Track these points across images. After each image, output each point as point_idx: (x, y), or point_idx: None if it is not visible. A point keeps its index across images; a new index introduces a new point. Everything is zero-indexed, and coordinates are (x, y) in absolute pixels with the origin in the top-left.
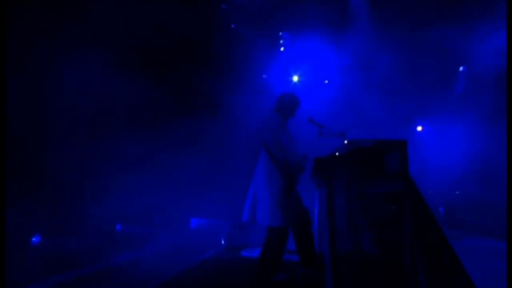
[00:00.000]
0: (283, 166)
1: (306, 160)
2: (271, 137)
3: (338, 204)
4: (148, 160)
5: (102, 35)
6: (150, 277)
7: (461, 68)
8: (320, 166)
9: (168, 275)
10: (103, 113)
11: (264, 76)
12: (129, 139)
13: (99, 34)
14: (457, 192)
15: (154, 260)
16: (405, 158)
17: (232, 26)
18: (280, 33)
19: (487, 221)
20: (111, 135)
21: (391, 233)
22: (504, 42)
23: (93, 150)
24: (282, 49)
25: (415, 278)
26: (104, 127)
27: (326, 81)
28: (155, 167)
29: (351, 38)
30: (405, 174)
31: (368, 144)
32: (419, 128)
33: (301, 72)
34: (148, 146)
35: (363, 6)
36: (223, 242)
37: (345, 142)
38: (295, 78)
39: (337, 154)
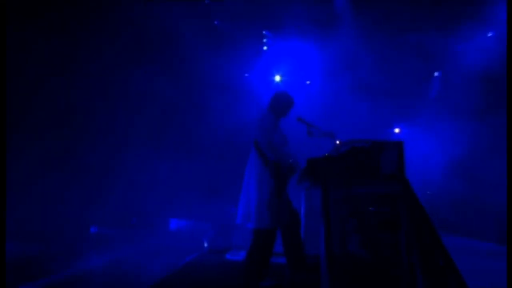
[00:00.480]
0: (275, 167)
1: (298, 162)
2: (263, 137)
3: (332, 205)
4: (125, 160)
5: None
6: (126, 282)
7: (436, 74)
8: (314, 167)
9: (147, 280)
10: (77, 113)
11: (246, 74)
12: (103, 137)
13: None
14: (428, 192)
15: (131, 263)
16: (401, 159)
17: (216, 22)
18: (264, 32)
19: (466, 220)
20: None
21: (386, 236)
22: (477, 47)
23: (61, 150)
24: (265, 48)
25: (413, 281)
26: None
27: (308, 82)
28: (132, 167)
29: (334, 40)
30: (401, 175)
31: (364, 144)
32: (397, 130)
33: (283, 72)
34: (124, 146)
35: (347, 9)
36: (205, 244)
37: (337, 142)
38: (277, 78)
39: (332, 154)
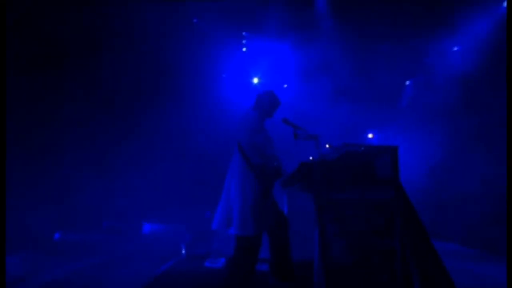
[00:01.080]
0: (260, 171)
1: (283, 165)
2: (247, 138)
3: (326, 210)
4: (94, 160)
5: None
6: None
7: (407, 82)
8: (309, 171)
9: None
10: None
11: (223, 75)
12: (71, 137)
13: None
14: None
15: (100, 272)
16: (395, 164)
17: (194, 20)
18: (243, 33)
19: (439, 222)
20: (51, 135)
21: (377, 242)
22: (445, 59)
23: (24, 148)
24: (244, 49)
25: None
26: (43, 126)
27: (285, 85)
28: (103, 168)
29: (312, 45)
30: (396, 180)
31: (359, 149)
32: (370, 135)
33: (261, 74)
34: (94, 145)
35: (326, 16)
36: (183, 250)
37: (327, 146)
38: (255, 80)
39: (327, 158)
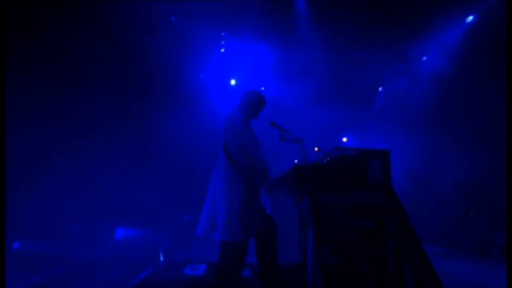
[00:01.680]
0: (247, 174)
1: (269, 168)
2: (234, 140)
3: (320, 214)
4: (61, 160)
5: None
6: None
7: (380, 89)
8: (302, 175)
9: None
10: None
11: (201, 75)
12: (34, 133)
13: None
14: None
15: (67, 283)
16: (388, 168)
17: (172, 18)
18: (222, 34)
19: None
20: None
21: (367, 246)
22: (414, 69)
23: None
24: (222, 50)
25: None
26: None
27: (263, 88)
28: (70, 168)
29: (292, 48)
30: (387, 185)
31: (352, 152)
32: (345, 139)
33: (239, 76)
34: (61, 144)
35: (306, 21)
36: (161, 257)
37: (316, 149)
38: (233, 82)
39: (320, 162)
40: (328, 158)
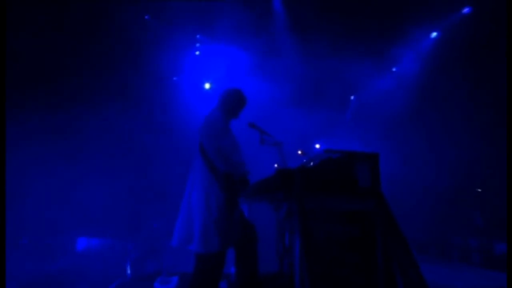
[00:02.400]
0: (225, 178)
1: (249, 172)
2: (212, 142)
3: (308, 219)
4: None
5: None
6: None
7: (352, 97)
8: (286, 179)
9: None
10: None
11: (174, 78)
12: None
13: None
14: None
15: None
16: (376, 173)
17: (146, 17)
18: (197, 36)
19: None
20: None
21: (353, 255)
22: (384, 77)
23: None
24: (197, 53)
25: None
26: None
27: None
28: (19, 173)
29: (268, 54)
30: (376, 190)
31: (340, 155)
32: (317, 146)
33: (213, 79)
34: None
35: (283, 28)
36: (128, 270)
37: (299, 152)
38: (207, 86)
39: (306, 165)
40: (315, 161)
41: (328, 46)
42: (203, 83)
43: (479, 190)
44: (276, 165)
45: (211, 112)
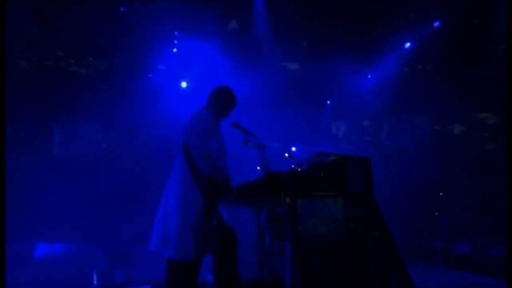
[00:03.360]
0: (208, 182)
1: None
2: (198, 142)
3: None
4: None
5: None
6: None
7: (328, 102)
8: (275, 183)
9: None
10: None
11: (150, 75)
12: None
13: None
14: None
15: None
16: (369, 178)
17: (121, 9)
18: (176, 33)
19: None
20: None
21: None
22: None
23: None
24: (175, 50)
25: None
26: None
27: None
28: None
29: (246, 55)
30: (369, 196)
31: (332, 159)
32: (294, 149)
33: (191, 78)
34: None
35: (265, 32)
36: (95, 280)
37: (286, 155)
38: (184, 84)
39: (297, 169)
40: (306, 165)
41: (306, 50)
42: (180, 82)
43: (441, 194)
44: (258, 168)
45: (200, 110)
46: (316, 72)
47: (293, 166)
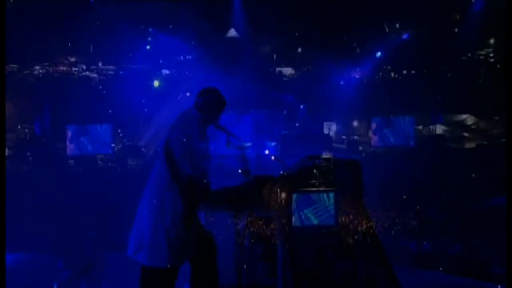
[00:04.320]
0: (189, 184)
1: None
2: (184, 143)
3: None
4: None
5: None
6: None
7: (301, 106)
8: (266, 186)
9: None
10: None
11: (120, 72)
12: None
13: None
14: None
15: None
16: (358, 180)
17: (91, 0)
18: (150, 29)
19: None
20: None
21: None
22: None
23: None
24: (148, 47)
25: None
26: None
27: (188, 94)
28: None
29: (223, 56)
30: (358, 199)
31: (322, 161)
32: (267, 152)
33: (163, 77)
34: None
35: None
36: None
37: (273, 158)
38: (156, 83)
39: (289, 172)
40: (297, 168)
41: (283, 54)
42: (152, 81)
43: (404, 197)
44: (240, 171)
45: (189, 110)
46: (292, 74)
47: (281, 172)
